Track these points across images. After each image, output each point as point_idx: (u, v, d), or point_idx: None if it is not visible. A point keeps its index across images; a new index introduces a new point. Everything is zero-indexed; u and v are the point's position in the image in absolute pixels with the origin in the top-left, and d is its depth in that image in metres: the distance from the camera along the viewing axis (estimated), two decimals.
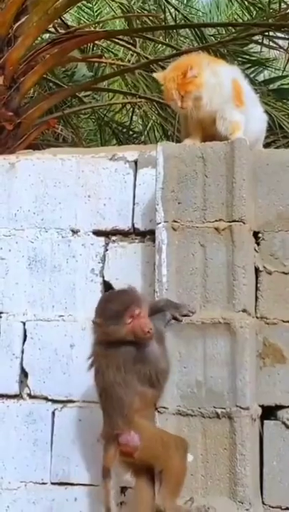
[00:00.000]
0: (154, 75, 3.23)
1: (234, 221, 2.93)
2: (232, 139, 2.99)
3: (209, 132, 3.10)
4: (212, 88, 3.03)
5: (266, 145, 6.69)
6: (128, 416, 2.72)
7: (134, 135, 8.80)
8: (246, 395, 2.82)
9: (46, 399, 3.25)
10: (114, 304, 2.77)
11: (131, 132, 8.72)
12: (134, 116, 8.58)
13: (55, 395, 3.24)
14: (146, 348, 2.74)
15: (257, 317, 3.06)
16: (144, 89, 7.47)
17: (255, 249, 3.12)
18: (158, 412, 2.88)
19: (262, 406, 3.01)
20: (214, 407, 2.84)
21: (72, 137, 8.39)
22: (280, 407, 3.01)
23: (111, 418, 2.77)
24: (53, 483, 3.20)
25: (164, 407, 2.88)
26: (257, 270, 3.10)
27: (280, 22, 5.97)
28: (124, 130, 8.67)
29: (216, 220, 2.96)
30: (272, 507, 2.92)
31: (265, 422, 3.02)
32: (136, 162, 3.35)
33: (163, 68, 7.19)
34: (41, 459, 3.21)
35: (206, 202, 2.98)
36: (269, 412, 3.02)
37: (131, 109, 8.44)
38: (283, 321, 3.03)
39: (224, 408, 2.83)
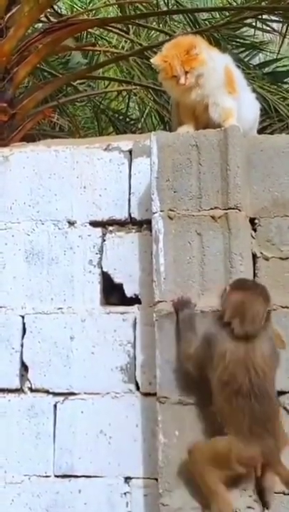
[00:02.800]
0: (151, 60, 3.21)
1: (230, 208, 2.93)
2: (225, 126, 2.98)
3: (202, 120, 3.08)
4: (209, 70, 3.04)
5: (262, 129, 6.68)
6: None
7: (131, 122, 8.76)
8: None
9: (47, 392, 3.25)
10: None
11: (128, 119, 8.69)
12: (130, 104, 8.55)
13: (56, 387, 3.24)
14: None
15: None
16: (139, 76, 7.43)
17: (251, 236, 3.10)
18: (159, 402, 2.88)
19: None
20: None
21: (68, 126, 8.37)
22: (282, 393, 2.99)
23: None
24: (56, 476, 3.20)
25: (166, 397, 2.88)
26: (254, 256, 3.09)
27: (272, 5, 5.92)
28: (121, 117, 8.63)
29: (212, 208, 2.96)
30: (276, 492, 2.92)
31: None
32: (130, 152, 3.33)
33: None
34: (44, 452, 3.22)
35: (202, 190, 2.97)
36: None
37: (127, 96, 8.40)
38: (282, 307, 3.02)
39: None
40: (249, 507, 2.77)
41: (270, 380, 2.69)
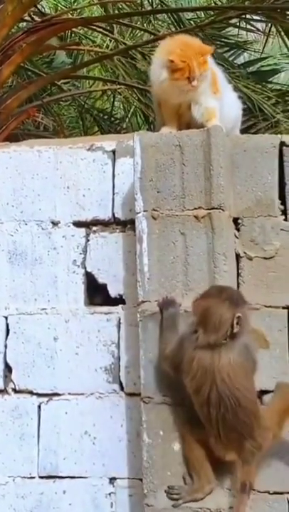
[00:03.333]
0: (170, 57, 2.99)
1: (213, 208, 2.93)
2: (208, 126, 2.98)
3: (184, 120, 3.08)
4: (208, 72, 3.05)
5: (246, 128, 6.71)
6: None
7: (116, 121, 8.76)
8: None
9: (31, 393, 3.24)
10: None
11: (112, 119, 8.68)
12: (115, 103, 8.54)
13: (40, 388, 3.24)
14: None
15: None
16: (124, 76, 7.43)
17: (235, 236, 3.11)
18: (143, 402, 2.88)
19: None
20: None
21: (53, 125, 8.35)
22: (266, 392, 3.00)
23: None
24: (41, 477, 3.20)
25: (150, 397, 2.88)
26: (238, 256, 3.10)
27: (256, 5, 5.93)
28: (106, 117, 8.63)
29: (195, 208, 2.96)
30: (260, 492, 2.93)
31: None
32: (114, 152, 3.33)
33: (142, 54, 7.21)
34: (28, 453, 3.21)
35: (185, 190, 2.97)
36: None
37: (111, 95, 8.40)
38: (265, 306, 3.03)
39: None
40: (231, 507, 2.77)
41: (242, 388, 2.66)
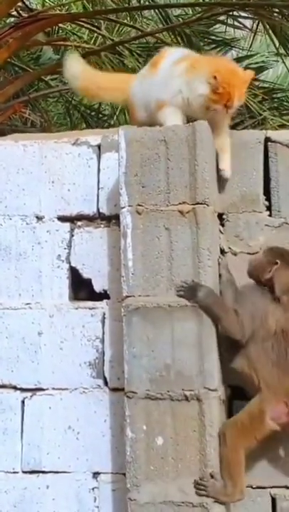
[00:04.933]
0: (209, 80, 2.89)
1: (198, 204, 2.92)
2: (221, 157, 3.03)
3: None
4: None
5: (233, 125, 6.68)
6: None
7: (104, 118, 8.74)
8: (214, 377, 2.84)
9: (15, 388, 3.23)
10: None
11: (100, 115, 8.67)
12: None
13: (24, 383, 3.23)
14: None
15: None
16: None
17: (220, 231, 3.12)
18: (127, 396, 2.89)
19: (231, 386, 3.03)
20: (183, 390, 2.85)
21: (40, 121, 8.34)
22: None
23: None
24: (24, 472, 3.19)
25: (133, 392, 2.88)
26: (222, 252, 3.11)
27: (243, 1, 5.94)
28: (93, 113, 8.61)
29: (180, 203, 2.95)
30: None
31: (235, 402, 3.04)
32: (99, 146, 3.32)
33: (129, 50, 7.21)
34: (12, 448, 3.20)
35: (170, 185, 2.96)
36: (238, 393, 3.02)
37: None
38: None
39: (193, 390, 2.83)
40: (216, 501, 2.79)
41: None
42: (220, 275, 2.99)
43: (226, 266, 3.01)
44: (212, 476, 2.78)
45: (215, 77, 2.88)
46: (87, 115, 8.55)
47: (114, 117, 8.41)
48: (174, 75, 3.01)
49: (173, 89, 3.00)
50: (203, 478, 2.77)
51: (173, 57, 3.12)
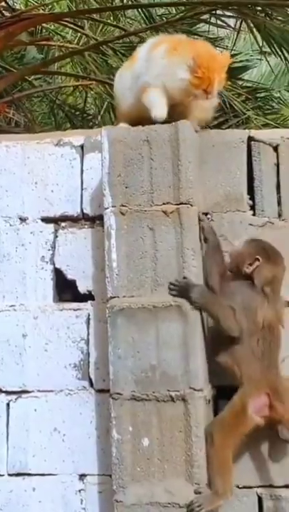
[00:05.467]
0: (188, 64, 2.89)
1: (182, 204, 2.92)
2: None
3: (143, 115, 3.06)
4: None
5: (218, 124, 6.71)
6: None
7: (89, 117, 8.72)
8: (199, 377, 2.83)
9: (0, 391, 3.21)
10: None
11: (85, 115, 8.65)
12: (88, 99, 8.51)
13: (8, 386, 3.21)
14: None
15: None
16: (95, 72, 7.40)
17: None
18: (112, 398, 2.87)
19: (216, 386, 3.03)
20: (168, 390, 2.84)
21: (24, 121, 8.30)
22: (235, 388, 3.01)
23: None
24: (10, 475, 3.18)
25: (119, 393, 2.87)
26: None
27: (226, 0, 5.94)
28: (78, 113, 8.59)
29: (164, 203, 2.94)
30: None
31: (220, 402, 3.03)
32: (82, 147, 3.31)
33: (113, 50, 7.20)
34: None
35: (153, 185, 2.95)
36: (224, 392, 3.02)
37: (83, 91, 8.36)
38: None
39: (178, 391, 2.83)
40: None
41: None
42: (206, 239, 2.99)
43: (211, 229, 3.01)
44: (199, 492, 2.77)
45: (196, 63, 2.87)
46: (71, 115, 8.53)
47: (99, 117, 8.39)
48: (154, 58, 3.01)
49: (154, 71, 2.99)
50: (192, 501, 2.76)
51: (150, 43, 3.13)
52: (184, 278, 2.87)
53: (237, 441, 2.84)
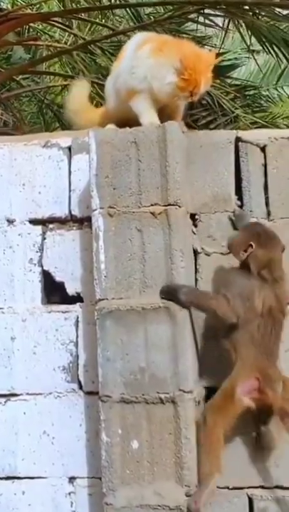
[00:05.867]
0: (175, 65, 2.88)
1: (170, 205, 2.91)
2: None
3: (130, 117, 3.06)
4: None
5: (206, 123, 6.72)
6: None
7: None
8: (189, 379, 2.83)
9: None
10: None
11: None
12: None
13: None
14: None
15: None
16: (83, 71, 7.38)
17: (192, 232, 3.11)
18: (101, 401, 2.87)
19: (206, 388, 3.02)
20: (158, 393, 2.84)
21: (13, 121, 8.28)
22: None
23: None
24: None
25: (108, 396, 2.86)
26: (195, 252, 3.10)
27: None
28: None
29: (152, 205, 2.93)
30: (220, 487, 2.93)
31: None
32: (69, 148, 3.29)
33: (101, 49, 7.18)
34: None
35: (141, 187, 2.95)
36: (214, 393, 3.01)
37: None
38: None
39: (167, 393, 2.82)
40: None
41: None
42: (233, 212, 3.05)
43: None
44: (189, 495, 2.77)
45: (183, 66, 2.85)
46: (60, 114, 8.49)
47: None
48: (139, 59, 3.00)
49: (139, 74, 2.98)
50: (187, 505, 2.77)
51: (135, 42, 3.13)
52: (172, 283, 2.86)
53: (228, 422, 2.83)
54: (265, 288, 2.85)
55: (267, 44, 6.22)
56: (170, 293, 2.85)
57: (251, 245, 2.85)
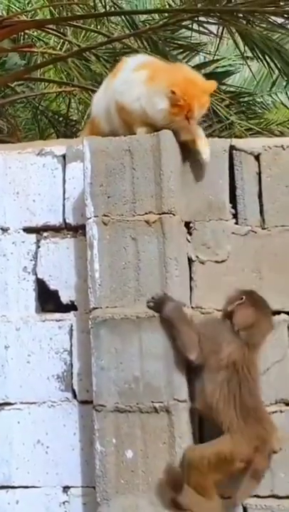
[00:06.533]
0: (166, 90, 2.88)
1: (164, 213, 2.91)
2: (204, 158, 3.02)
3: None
4: None
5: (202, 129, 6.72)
6: None
7: (72, 123, 8.71)
8: (183, 388, 2.83)
9: None
10: None
11: (68, 121, 8.63)
12: (71, 105, 8.50)
13: None
14: None
15: (192, 307, 3.04)
16: (78, 78, 7.39)
17: (187, 240, 3.11)
18: (95, 410, 2.86)
19: None
20: (152, 402, 2.83)
21: (8, 127, 8.28)
22: None
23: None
24: None
25: (102, 405, 2.85)
26: (190, 260, 3.09)
27: (208, 7, 5.95)
28: (61, 119, 8.58)
29: (146, 213, 2.93)
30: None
31: None
32: (64, 156, 3.29)
33: (96, 56, 7.19)
34: None
35: (136, 195, 2.95)
36: None
37: (66, 97, 8.36)
38: (218, 310, 3.01)
39: (162, 402, 2.82)
40: None
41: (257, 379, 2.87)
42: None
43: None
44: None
45: (173, 92, 2.85)
46: (54, 121, 8.51)
47: (82, 123, 8.38)
48: (134, 81, 3.01)
49: (133, 94, 2.99)
50: None
51: (132, 64, 3.14)
52: (164, 294, 2.85)
53: (218, 479, 2.80)
54: (236, 342, 2.81)
55: (259, 53, 6.25)
56: (158, 303, 2.85)
57: (242, 298, 2.85)
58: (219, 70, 8.14)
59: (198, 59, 8.26)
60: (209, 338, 2.82)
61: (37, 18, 7.55)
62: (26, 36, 7.62)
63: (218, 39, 7.07)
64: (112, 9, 7.25)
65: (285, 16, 6.05)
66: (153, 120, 2.96)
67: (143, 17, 7.32)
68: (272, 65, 6.40)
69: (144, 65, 3.11)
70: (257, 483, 2.82)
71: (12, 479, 3.14)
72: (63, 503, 3.10)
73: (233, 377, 2.78)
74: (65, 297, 3.20)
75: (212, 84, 3.05)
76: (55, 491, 3.11)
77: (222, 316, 2.92)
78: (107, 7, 7.20)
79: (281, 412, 2.96)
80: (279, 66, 6.41)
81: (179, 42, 6.90)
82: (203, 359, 2.80)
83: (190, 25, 6.56)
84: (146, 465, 2.81)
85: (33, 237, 3.27)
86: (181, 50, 7.07)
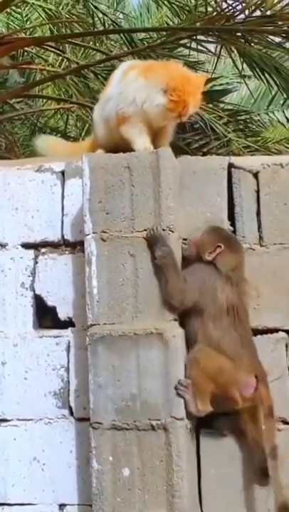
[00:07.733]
0: (162, 87, 2.91)
1: (163, 230, 2.91)
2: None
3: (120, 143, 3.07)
4: None
5: (199, 147, 6.76)
6: None
7: (70, 140, 8.74)
8: (181, 405, 2.81)
9: None
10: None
11: (66, 137, 8.66)
12: (70, 121, 8.54)
13: None
14: None
15: None
16: (76, 95, 7.43)
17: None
18: (92, 427, 2.84)
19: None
20: (149, 419, 2.82)
21: (6, 143, 8.31)
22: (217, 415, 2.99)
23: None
24: None
25: (99, 423, 2.84)
26: None
27: (206, 26, 5.99)
28: (59, 136, 8.60)
29: (145, 230, 2.94)
30: None
31: (202, 430, 3.01)
32: (63, 173, 3.29)
33: (94, 73, 7.23)
34: None
35: (134, 212, 2.95)
36: (205, 421, 2.99)
37: (65, 114, 8.39)
38: None
39: (159, 420, 2.81)
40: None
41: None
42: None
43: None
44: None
45: (171, 87, 2.87)
46: None
47: (80, 140, 8.40)
48: (126, 85, 3.02)
49: (128, 98, 3.00)
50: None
51: (122, 69, 3.16)
52: (164, 230, 2.89)
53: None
54: (227, 286, 2.91)
55: (258, 71, 6.29)
56: (154, 240, 2.88)
57: (220, 246, 2.94)
58: (217, 88, 8.18)
59: None
60: (200, 286, 2.90)
61: (36, 35, 7.60)
62: (25, 53, 7.67)
63: (215, 57, 7.11)
64: (111, 27, 7.29)
65: (283, 35, 6.09)
66: (149, 117, 2.97)
67: (141, 35, 7.37)
68: (271, 82, 6.43)
69: (131, 67, 3.14)
70: (275, 420, 2.90)
71: (8, 496, 3.11)
72: None
73: (236, 320, 2.89)
74: (62, 313, 3.20)
75: (203, 78, 3.08)
76: (51, 508, 3.09)
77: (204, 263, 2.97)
78: (106, 25, 7.25)
79: (279, 430, 2.94)
80: (278, 83, 6.45)
81: (177, 59, 6.93)
82: (189, 306, 2.88)
83: (188, 44, 6.60)
84: (143, 483, 2.79)
85: (31, 252, 3.27)
86: None
